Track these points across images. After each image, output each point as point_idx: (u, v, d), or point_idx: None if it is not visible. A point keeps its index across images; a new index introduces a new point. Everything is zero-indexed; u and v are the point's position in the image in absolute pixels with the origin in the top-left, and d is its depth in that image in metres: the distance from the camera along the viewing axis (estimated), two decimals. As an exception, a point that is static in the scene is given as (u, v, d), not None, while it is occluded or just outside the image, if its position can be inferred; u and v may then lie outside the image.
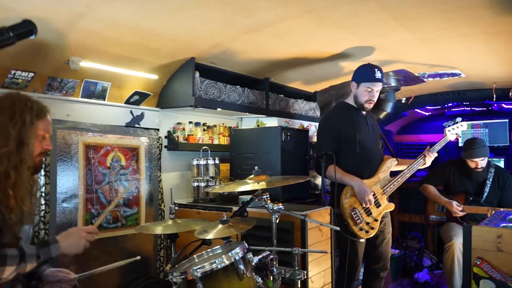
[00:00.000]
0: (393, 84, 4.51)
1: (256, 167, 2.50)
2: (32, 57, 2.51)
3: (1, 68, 2.44)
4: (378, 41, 3.18)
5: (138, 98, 3.27)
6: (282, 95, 4.30)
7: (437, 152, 3.27)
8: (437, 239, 5.00)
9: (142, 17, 2.44)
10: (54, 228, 2.74)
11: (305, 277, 2.30)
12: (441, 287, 4.37)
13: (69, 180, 2.85)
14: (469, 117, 6.36)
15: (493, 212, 3.55)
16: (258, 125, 4.27)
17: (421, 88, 4.87)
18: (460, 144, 5.88)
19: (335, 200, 2.90)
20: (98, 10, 2.27)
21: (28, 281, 1.91)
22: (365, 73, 3.00)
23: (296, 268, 2.19)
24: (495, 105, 5.91)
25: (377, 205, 2.96)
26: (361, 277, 3.29)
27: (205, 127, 3.91)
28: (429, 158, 3.18)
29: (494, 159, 5.58)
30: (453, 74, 4.21)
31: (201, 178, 3.52)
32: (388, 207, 3.04)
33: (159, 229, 2.52)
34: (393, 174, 3.14)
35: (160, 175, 3.44)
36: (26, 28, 1.29)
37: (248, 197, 2.68)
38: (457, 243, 3.47)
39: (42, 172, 2.71)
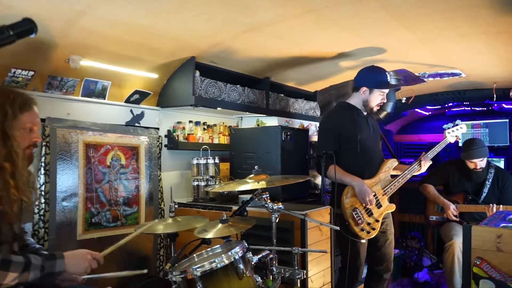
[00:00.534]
0: (393, 83, 4.50)
1: (256, 167, 2.50)
2: (32, 55, 2.50)
3: (1, 67, 2.44)
4: (378, 41, 3.18)
5: (138, 97, 3.27)
6: (282, 95, 4.30)
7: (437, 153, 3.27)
8: (437, 239, 5.00)
9: (142, 16, 2.44)
10: (53, 226, 2.74)
11: (305, 276, 2.30)
12: (441, 287, 4.37)
13: (69, 179, 2.85)
14: (469, 117, 6.36)
15: (493, 209, 3.55)
16: (258, 125, 4.27)
17: (421, 88, 4.86)
18: (461, 144, 5.87)
19: (335, 200, 2.90)
20: (98, 9, 2.27)
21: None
22: (379, 79, 3.00)
23: (296, 267, 2.19)
24: (495, 105, 5.91)
25: (378, 205, 2.96)
26: (363, 277, 3.29)
27: (205, 126, 3.91)
28: (424, 165, 3.15)
29: (494, 159, 5.58)
30: (453, 74, 4.21)
31: (201, 177, 3.52)
32: (389, 207, 3.04)
33: (159, 228, 2.51)
34: (391, 177, 3.13)
35: (160, 174, 3.44)
36: (26, 26, 1.28)
37: (248, 196, 2.68)
38: (457, 242, 3.47)
39: (42, 171, 2.71)
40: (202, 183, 3.50)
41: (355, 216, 2.86)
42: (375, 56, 3.50)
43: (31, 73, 2.55)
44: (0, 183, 1.66)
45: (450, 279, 3.52)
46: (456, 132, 3.34)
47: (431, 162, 3.20)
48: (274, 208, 2.30)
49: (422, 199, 4.22)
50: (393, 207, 3.06)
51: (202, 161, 3.53)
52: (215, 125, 4.04)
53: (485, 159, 3.73)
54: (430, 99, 5.38)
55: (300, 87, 4.54)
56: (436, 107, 6.15)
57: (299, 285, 2.23)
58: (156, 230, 2.48)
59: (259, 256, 2.12)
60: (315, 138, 4.39)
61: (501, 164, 5.51)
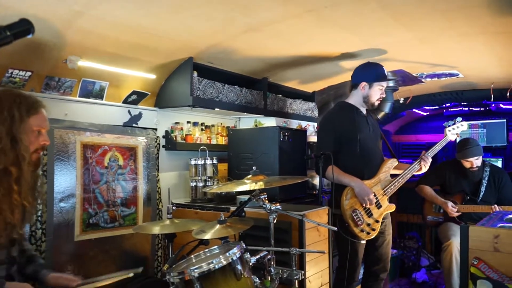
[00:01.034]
0: (391, 84, 4.51)
1: (254, 167, 2.50)
2: (29, 56, 2.50)
3: (-1, 67, 2.43)
4: (378, 41, 3.18)
5: (136, 97, 3.26)
6: (280, 95, 4.30)
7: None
8: (435, 239, 5.01)
9: (140, 16, 2.44)
10: (51, 227, 2.73)
11: (303, 277, 2.30)
12: (439, 287, 4.38)
13: (66, 180, 2.85)
14: (467, 117, 6.36)
15: (496, 209, 3.55)
16: (256, 125, 4.27)
17: (419, 88, 4.87)
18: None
19: (333, 200, 2.90)
20: (96, 9, 2.27)
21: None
22: (377, 73, 3.02)
23: (294, 268, 2.19)
24: (493, 105, 5.93)
25: (378, 206, 2.95)
26: (360, 277, 3.29)
27: (203, 127, 3.90)
28: (425, 164, 3.15)
29: (492, 159, 5.59)
30: (451, 75, 4.22)
31: (199, 178, 3.52)
32: (389, 208, 3.03)
33: (156, 229, 2.52)
34: (391, 177, 3.13)
35: (158, 175, 3.44)
36: (24, 27, 1.28)
37: (246, 197, 2.68)
38: (455, 242, 3.48)
39: (40, 171, 2.70)
40: (200, 184, 3.50)
41: (354, 217, 2.85)
42: (374, 56, 3.50)
43: (29, 73, 2.55)
44: (4, 188, 1.65)
45: (448, 279, 3.53)
46: (457, 130, 3.34)
47: (431, 160, 3.19)
48: (272, 208, 2.30)
49: (420, 199, 4.22)
50: (393, 207, 3.06)
51: (200, 162, 3.53)
52: (213, 125, 4.04)
53: (480, 158, 3.75)
54: (428, 100, 5.40)
55: (298, 87, 4.54)
56: (434, 107, 6.17)
57: (297, 286, 2.23)
58: (154, 231, 2.48)
59: (257, 257, 2.12)
60: (313, 138, 4.39)
61: (498, 164, 5.53)
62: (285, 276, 2.19)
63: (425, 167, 3.16)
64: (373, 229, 2.91)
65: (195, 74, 3.29)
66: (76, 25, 2.38)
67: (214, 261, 1.90)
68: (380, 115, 4.90)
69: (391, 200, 3.13)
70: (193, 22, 2.62)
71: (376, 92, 3.01)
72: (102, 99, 3.08)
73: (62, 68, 2.69)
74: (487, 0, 2.40)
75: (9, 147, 1.66)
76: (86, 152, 2.97)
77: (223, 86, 3.50)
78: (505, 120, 6.02)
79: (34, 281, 1.96)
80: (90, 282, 1.95)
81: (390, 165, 3.10)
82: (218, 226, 2.27)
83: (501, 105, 5.91)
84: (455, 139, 3.37)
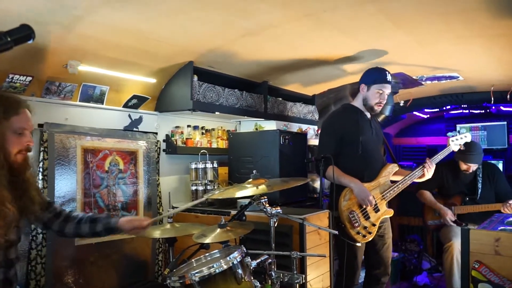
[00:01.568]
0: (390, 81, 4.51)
1: (254, 171, 2.50)
2: (30, 61, 2.51)
3: (-1, 72, 2.44)
4: (377, 44, 3.19)
5: (136, 101, 3.27)
6: (280, 99, 4.31)
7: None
8: (436, 242, 4.99)
9: (140, 21, 2.45)
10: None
11: (304, 281, 2.29)
12: (440, 290, 4.37)
13: (67, 184, 2.85)
14: (467, 119, 6.38)
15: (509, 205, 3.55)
16: (256, 129, 4.27)
17: (419, 91, 4.88)
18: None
19: (333, 202, 2.90)
20: (96, 14, 2.28)
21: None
22: (376, 76, 3.00)
23: (295, 272, 2.19)
24: (493, 107, 5.93)
25: (376, 209, 2.95)
26: (361, 281, 3.29)
27: (204, 131, 3.91)
28: (429, 171, 3.10)
29: (492, 161, 5.58)
30: (451, 77, 4.22)
31: (200, 181, 3.52)
32: (387, 212, 3.02)
33: (157, 233, 2.52)
34: (391, 182, 3.12)
35: (158, 179, 3.44)
36: (24, 32, 1.28)
37: (246, 201, 2.68)
38: (456, 244, 3.48)
39: (40, 176, 2.71)
40: (201, 188, 3.50)
41: (351, 219, 2.85)
42: (374, 59, 3.51)
43: (29, 78, 2.55)
44: None
45: (449, 280, 3.53)
46: (460, 141, 3.35)
47: (433, 168, 3.13)
48: (273, 212, 2.30)
49: (421, 203, 4.22)
50: (391, 212, 3.05)
51: (201, 166, 3.53)
52: (213, 129, 4.04)
53: (477, 166, 3.80)
54: (428, 102, 5.40)
55: (298, 91, 4.55)
56: (434, 110, 6.16)
57: (298, 290, 2.22)
58: (154, 235, 2.48)
59: (257, 261, 2.11)
60: (313, 141, 4.39)
61: (499, 166, 5.52)
62: (286, 280, 2.19)
63: (427, 175, 3.13)
64: (370, 232, 2.91)
65: (195, 78, 3.30)
66: (76, 30, 2.39)
67: (215, 265, 1.90)
68: (380, 118, 4.90)
69: (391, 203, 3.12)
70: (192, 26, 2.63)
71: (374, 95, 3.00)
72: (103, 104, 3.09)
73: (62, 72, 2.70)
74: (485, 3, 2.41)
75: None
76: (86, 156, 2.97)
77: (223, 90, 3.51)
78: (505, 123, 6.02)
79: (109, 233, 2.03)
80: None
81: (391, 170, 3.09)
82: (218, 230, 2.27)
83: (502, 108, 5.91)
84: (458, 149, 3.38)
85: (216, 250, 2.21)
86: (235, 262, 1.94)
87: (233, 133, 3.93)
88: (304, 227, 2.66)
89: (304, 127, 4.72)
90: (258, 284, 2.08)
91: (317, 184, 4.12)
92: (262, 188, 2.31)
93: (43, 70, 2.62)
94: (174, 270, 2.07)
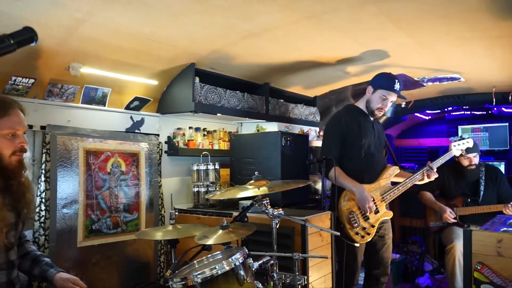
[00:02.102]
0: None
1: (256, 172, 2.50)
2: (32, 63, 2.52)
3: (2, 75, 2.45)
4: (378, 45, 3.19)
5: (138, 103, 3.28)
6: (282, 100, 4.31)
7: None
8: (438, 243, 4.98)
9: (142, 23, 2.45)
10: (54, 233, 2.74)
11: (306, 282, 2.29)
12: (442, 291, 4.36)
13: (69, 186, 2.85)
14: (469, 121, 6.37)
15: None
16: (258, 130, 4.27)
17: (420, 92, 4.87)
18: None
19: (335, 203, 2.90)
20: (98, 17, 2.28)
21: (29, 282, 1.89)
22: (385, 81, 3.01)
23: (297, 273, 2.19)
24: (495, 109, 5.92)
25: (376, 211, 2.95)
26: (361, 282, 3.28)
27: (205, 132, 3.91)
28: (431, 175, 3.09)
29: (494, 163, 5.57)
30: (452, 79, 4.22)
31: (201, 183, 3.52)
32: (386, 214, 3.03)
33: (159, 235, 2.52)
34: (392, 184, 3.12)
35: (160, 181, 3.44)
36: (27, 35, 1.28)
37: (248, 202, 2.68)
38: (458, 245, 3.48)
39: (43, 178, 2.72)
40: (203, 189, 3.50)
41: (351, 220, 2.87)
42: (375, 61, 3.51)
43: (32, 80, 2.56)
44: None
45: (451, 281, 3.53)
46: (462, 146, 3.37)
47: (436, 175, 3.14)
48: (275, 214, 2.30)
49: (423, 205, 4.22)
50: (390, 214, 3.06)
51: (202, 167, 3.53)
52: (215, 131, 4.04)
53: (478, 156, 3.80)
54: (430, 104, 5.39)
55: (300, 92, 4.55)
56: (436, 111, 6.16)
57: (300, 291, 2.22)
58: (156, 237, 2.49)
59: (259, 262, 2.11)
60: (315, 143, 4.39)
61: (501, 168, 5.52)
62: (288, 281, 2.18)
63: (428, 178, 3.12)
64: (368, 234, 2.93)
65: (197, 79, 3.30)
66: (78, 33, 2.40)
67: (217, 267, 1.90)
68: (382, 119, 4.90)
69: (392, 204, 3.12)
70: (193, 29, 2.64)
71: (377, 99, 3.01)
72: (105, 106, 3.09)
73: (64, 75, 2.71)
74: (485, 5, 2.40)
75: None
76: (88, 158, 2.98)
77: (225, 92, 3.51)
78: (507, 124, 6.01)
79: (44, 281, 1.94)
80: None
81: (392, 172, 3.10)
82: (220, 231, 2.27)
83: (503, 109, 5.91)
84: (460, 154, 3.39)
85: (218, 252, 2.21)
86: (237, 263, 1.94)
87: (234, 134, 3.93)
88: (306, 228, 2.66)
89: (305, 128, 4.72)
90: (260, 285, 2.08)
91: (319, 186, 4.12)
92: (263, 189, 2.31)
93: (45, 72, 2.63)
94: (176, 272, 2.07)
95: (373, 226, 2.94)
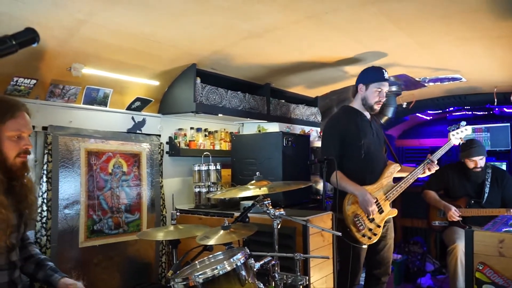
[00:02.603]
0: (394, 89, 4.51)
1: (257, 173, 2.51)
2: (34, 64, 2.52)
3: (4, 75, 2.45)
4: (378, 45, 3.19)
5: (140, 104, 3.28)
6: (283, 101, 4.32)
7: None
8: (440, 243, 4.98)
9: (143, 23, 2.46)
10: (56, 234, 2.74)
11: (307, 282, 2.29)
12: (444, 292, 4.35)
13: (71, 187, 2.86)
14: (470, 121, 6.34)
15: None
16: (259, 131, 4.28)
17: (422, 92, 4.87)
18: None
19: (337, 205, 2.90)
20: (99, 17, 2.29)
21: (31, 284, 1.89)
22: (374, 74, 3.01)
23: (298, 273, 2.19)
24: (496, 109, 5.91)
25: (380, 211, 2.95)
26: (362, 282, 3.28)
27: (207, 133, 3.91)
28: (431, 168, 3.12)
29: (496, 163, 5.57)
30: (453, 79, 4.22)
31: (203, 183, 3.52)
32: (391, 213, 3.03)
33: (160, 235, 2.52)
34: (395, 180, 3.13)
35: (161, 181, 3.45)
36: (29, 36, 1.29)
37: (249, 202, 2.68)
38: (460, 246, 3.47)
39: (44, 179, 2.72)
40: (204, 190, 3.51)
41: (356, 223, 2.85)
42: (376, 61, 3.51)
43: (33, 81, 2.57)
44: None
45: (453, 282, 3.52)
46: (461, 134, 3.31)
47: (437, 167, 3.15)
48: (276, 214, 2.30)
49: (425, 204, 4.21)
50: (394, 212, 3.06)
51: (204, 168, 3.54)
52: (216, 131, 4.05)
53: (484, 158, 3.77)
54: (431, 104, 5.39)
55: (301, 92, 4.55)
56: (437, 111, 6.15)
57: (301, 291, 2.22)
58: (158, 237, 2.49)
59: (261, 263, 2.11)
60: (316, 143, 4.39)
61: (503, 168, 5.50)
62: (289, 281, 2.18)
63: (429, 171, 3.14)
64: (375, 234, 2.92)
65: (198, 80, 3.31)
66: (80, 33, 2.41)
67: (218, 267, 1.89)
68: (383, 120, 4.90)
69: (394, 204, 3.12)
70: (194, 29, 2.64)
71: (373, 93, 3.00)
72: (106, 106, 3.10)
73: (66, 75, 2.71)
74: (486, 5, 2.40)
75: None
76: (90, 158, 2.99)
77: (226, 92, 3.52)
78: (509, 124, 6.00)
79: (48, 286, 1.95)
80: None
81: (393, 170, 3.09)
82: (222, 232, 2.27)
83: (505, 109, 5.90)
84: (459, 143, 3.35)
85: (220, 252, 2.21)
86: (238, 263, 1.94)
87: (236, 135, 3.94)
88: (308, 229, 2.66)
89: (307, 129, 4.72)
90: (261, 285, 2.08)
91: (320, 186, 4.13)
92: (264, 189, 2.31)
93: (47, 73, 2.64)
94: (178, 272, 2.07)
95: (379, 226, 2.93)
